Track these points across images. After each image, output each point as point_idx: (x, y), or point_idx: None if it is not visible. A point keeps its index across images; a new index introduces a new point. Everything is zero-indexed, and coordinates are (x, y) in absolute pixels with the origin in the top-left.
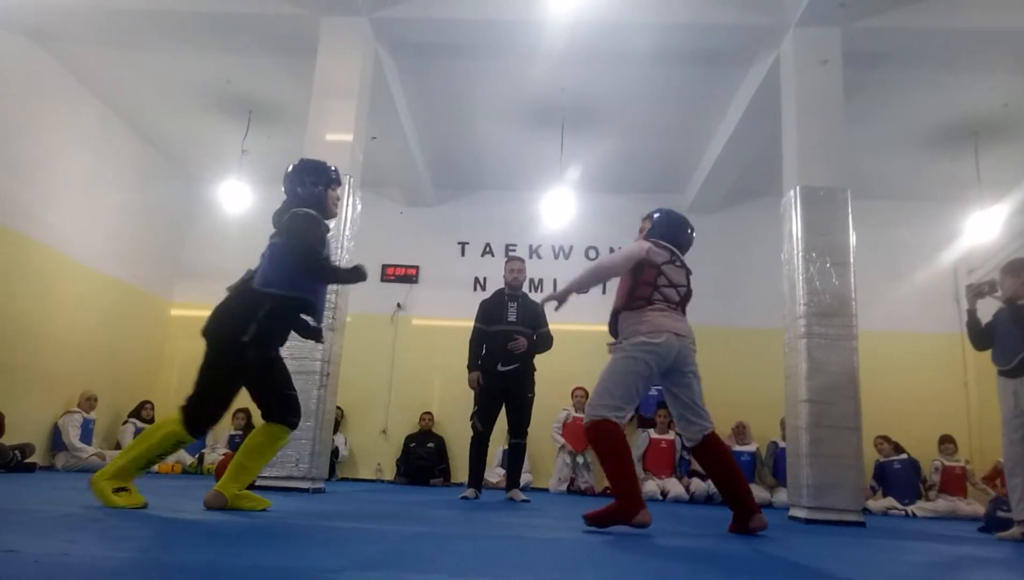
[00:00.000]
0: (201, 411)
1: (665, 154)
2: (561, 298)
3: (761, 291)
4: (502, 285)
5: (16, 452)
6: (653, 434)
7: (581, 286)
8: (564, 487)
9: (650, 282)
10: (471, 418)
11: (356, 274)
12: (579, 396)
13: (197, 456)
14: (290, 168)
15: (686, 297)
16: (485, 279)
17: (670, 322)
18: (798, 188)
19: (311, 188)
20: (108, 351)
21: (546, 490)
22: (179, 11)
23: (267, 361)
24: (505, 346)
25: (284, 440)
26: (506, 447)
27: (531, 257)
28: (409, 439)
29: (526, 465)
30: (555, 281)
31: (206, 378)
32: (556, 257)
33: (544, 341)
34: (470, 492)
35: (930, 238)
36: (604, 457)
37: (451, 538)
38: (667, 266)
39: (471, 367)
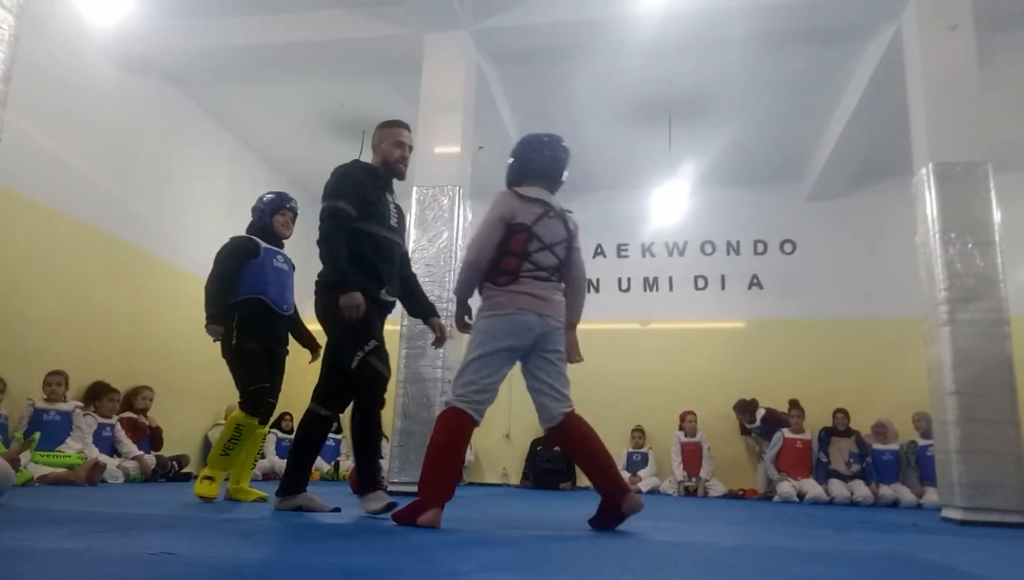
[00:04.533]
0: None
1: (780, 140)
2: (461, 320)
3: (895, 278)
4: (615, 285)
5: (174, 463)
6: (787, 434)
7: (464, 294)
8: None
9: (519, 252)
10: (359, 358)
11: (211, 316)
12: (690, 421)
13: (333, 464)
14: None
15: (569, 257)
16: (598, 281)
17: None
18: (931, 165)
19: (261, 215)
20: None
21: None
22: (294, 42)
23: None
24: (391, 260)
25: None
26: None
27: (644, 256)
28: (535, 443)
29: (651, 467)
30: (671, 278)
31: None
32: (670, 254)
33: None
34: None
35: None
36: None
37: (578, 541)
38: (540, 223)
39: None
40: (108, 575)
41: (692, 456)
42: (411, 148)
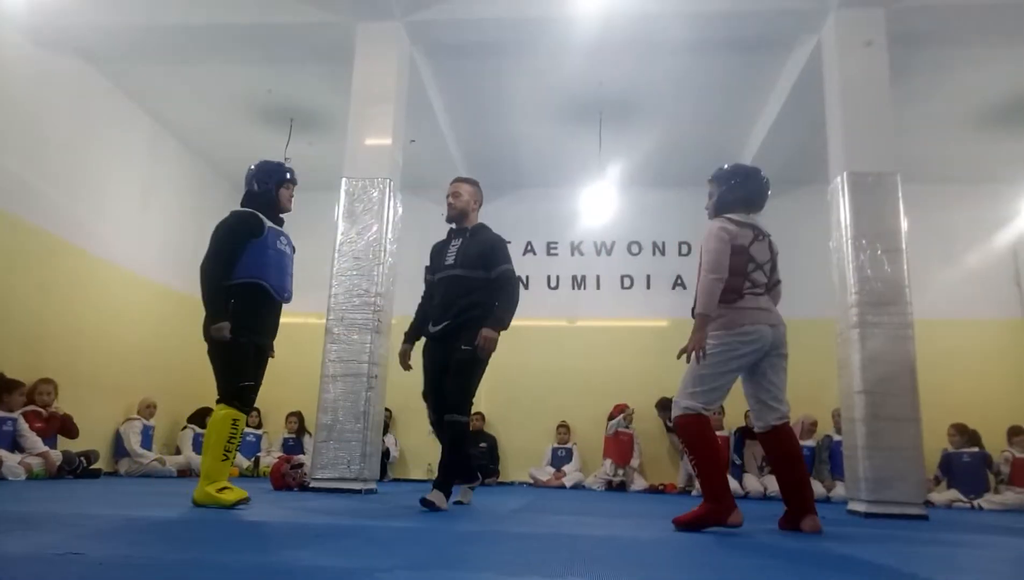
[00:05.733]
0: (237, 391)
1: (706, 145)
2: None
3: (810, 281)
4: (544, 283)
5: (82, 459)
6: None
7: (711, 309)
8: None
9: (740, 271)
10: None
11: (215, 312)
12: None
13: (253, 459)
14: (251, 167)
15: (773, 274)
16: (528, 278)
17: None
18: (845, 174)
19: (263, 187)
20: (165, 359)
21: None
22: (220, 24)
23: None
24: (444, 298)
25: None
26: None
27: (573, 254)
28: None
29: (575, 463)
30: (598, 277)
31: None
32: (598, 253)
33: (505, 286)
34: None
35: (987, 220)
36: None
37: (502, 537)
38: (754, 245)
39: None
40: (8, 577)
41: (624, 447)
42: (454, 194)
